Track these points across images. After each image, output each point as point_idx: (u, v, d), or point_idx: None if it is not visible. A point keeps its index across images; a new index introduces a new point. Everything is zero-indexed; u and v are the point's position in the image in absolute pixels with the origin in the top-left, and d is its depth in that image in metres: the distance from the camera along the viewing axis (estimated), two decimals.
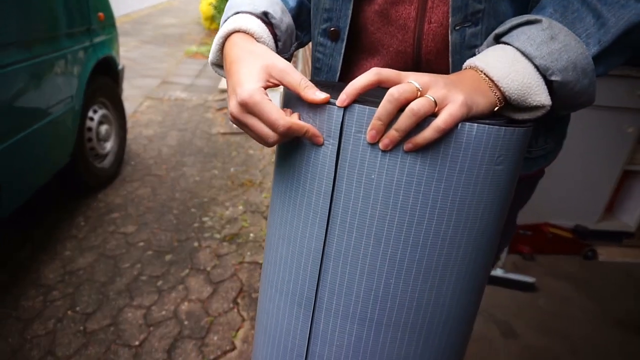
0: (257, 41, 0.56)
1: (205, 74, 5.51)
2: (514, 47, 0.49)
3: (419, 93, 0.43)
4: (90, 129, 2.41)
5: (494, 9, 0.53)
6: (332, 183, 0.49)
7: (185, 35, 8.23)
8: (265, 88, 0.49)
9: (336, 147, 0.48)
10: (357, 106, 0.46)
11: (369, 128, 0.45)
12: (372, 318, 0.53)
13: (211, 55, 0.59)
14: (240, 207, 2.42)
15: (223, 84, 4.86)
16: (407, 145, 0.45)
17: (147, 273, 1.85)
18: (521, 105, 0.49)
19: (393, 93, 0.42)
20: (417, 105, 0.42)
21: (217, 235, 2.14)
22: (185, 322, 1.59)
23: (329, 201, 0.50)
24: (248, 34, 0.56)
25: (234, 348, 1.48)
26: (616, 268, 2.04)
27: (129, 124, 3.52)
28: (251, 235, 2.16)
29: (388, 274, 0.51)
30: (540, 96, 0.48)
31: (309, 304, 0.55)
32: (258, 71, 0.48)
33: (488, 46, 0.53)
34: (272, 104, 0.47)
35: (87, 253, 1.98)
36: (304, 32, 0.70)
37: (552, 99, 0.48)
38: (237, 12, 0.59)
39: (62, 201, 2.38)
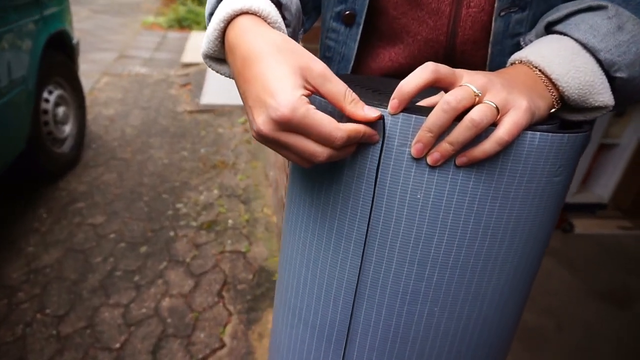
0: (272, 25, 0.43)
1: (165, 46, 5.21)
2: (572, 38, 0.42)
3: (477, 99, 0.36)
4: (46, 112, 2.21)
5: None
6: (370, 204, 0.42)
7: (140, 4, 7.75)
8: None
9: (376, 164, 0.40)
10: (401, 114, 0.38)
11: (415, 140, 0.38)
12: (412, 354, 0.48)
13: (205, 45, 0.44)
14: (215, 191, 2.31)
15: (185, 57, 4.61)
16: (461, 159, 0.38)
17: (122, 267, 1.74)
18: (580, 106, 0.42)
19: (450, 101, 0.35)
20: (479, 115, 0.35)
21: (194, 223, 2.03)
22: (169, 320, 1.50)
23: (367, 225, 0.43)
24: (260, 16, 0.42)
25: (223, 345, 1.41)
26: (592, 240, 2.09)
27: (87, 102, 3.28)
28: (230, 221, 2.06)
29: (432, 302, 0.45)
30: (604, 95, 0.41)
31: (340, 340, 0.49)
32: (293, 74, 0.36)
33: (537, 36, 0.46)
34: (320, 114, 0.36)
35: (53, 248, 1.84)
36: (307, 15, 0.61)
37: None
38: None
39: (20, 192, 2.19)
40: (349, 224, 0.44)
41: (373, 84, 0.51)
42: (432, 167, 0.38)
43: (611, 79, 0.42)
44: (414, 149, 0.38)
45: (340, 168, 0.43)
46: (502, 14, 0.47)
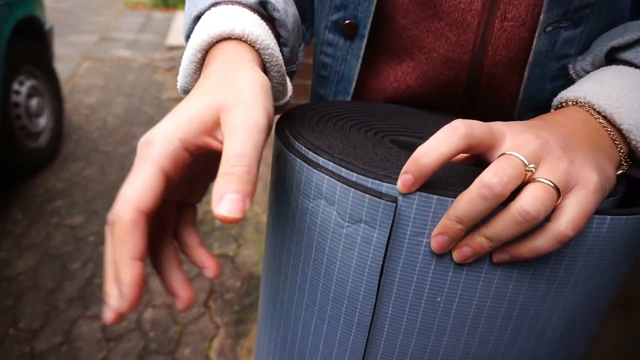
0: (261, 53, 0.32)
1: (150, 27, 5.00)
2: None
3: (528, 174, 0.25)
4: (17, 105, 2.06)
5: (610, 2, 0.34)
6: (372, 310, 0.30)
7: None
8: (191, 149, 0.26)
9: (380, 260, 0.28)
10: (417, 194, 0.26)
11: (437, 231, 0.26)
12: None
13: (181, 79, 0.35)
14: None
15: (170, 39, 4.42)
16: (501, 256, 0.27)
17: (102, 274, 1.63)
18: None
19: (493, 185, 0.24)
20: (534, 205, 0.24)
21: None
22: (151, 334, 1.40)
23: (367, 335, 0.32)
24: (246, 42, 0.32)
25: None
26: None
27: (67, 89, 3.12)
28: (217, 221, 1.95)
29: None
30: None
31: None
32: (200, 111, 0.26)
33: (594, 65, 0.35)
34: (147, 175, 0.25)
35: (28, 253, 1.72)
36: (306, 24, 0.49)
37: None
38: (217, 3, 0.34)
39: None
40: (342, 332, 0.32)
41: (378, 123, 0.39)
42: (459, 265, 0.27)
43: None
44: (435, 242, 0.26)
45: (333, 253, 0.31)
46: (549, 29, 0.36)
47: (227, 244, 1.81)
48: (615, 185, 0.30)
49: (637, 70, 0.32)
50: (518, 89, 0.39)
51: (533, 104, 0.40)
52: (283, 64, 0.34)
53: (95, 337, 1.39)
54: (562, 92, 0.34)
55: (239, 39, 0.31)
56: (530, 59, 0.37)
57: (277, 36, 0.37)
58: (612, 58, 0.34)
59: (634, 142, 0.30)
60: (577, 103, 0.32)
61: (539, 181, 0.24)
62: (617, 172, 0.30)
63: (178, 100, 3.15)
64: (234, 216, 0.22)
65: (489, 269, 0.27)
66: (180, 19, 5.17)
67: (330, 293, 0.31)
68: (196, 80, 0.34)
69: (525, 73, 0.38)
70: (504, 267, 0.27)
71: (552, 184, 0.24)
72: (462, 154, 0.26)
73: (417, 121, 0.41)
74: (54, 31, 2.54)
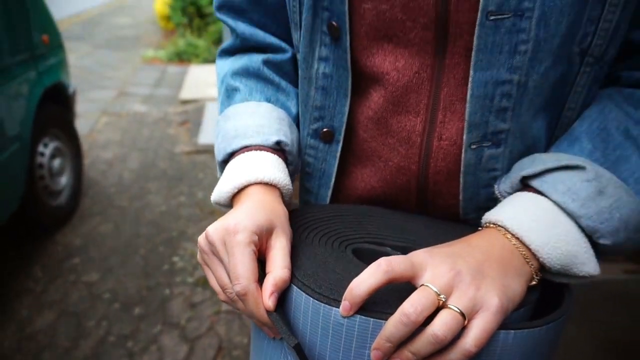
0: (280, 189, 0.48)
1: (164, 81, 5.25)
2: (551, 200, 0.40)
3: (440, 301, 0.33)
4: (41, 166, 2.20)
5: (521, 130, 0.44)
6: None
7: (141, 37, 7.85)
8: (256, 247, 0.41)
9: None
10: (358, 317, 0.35)
11: (373, 346, 0.35)
12: None
13: (216, 197, 0.49)
14: None
15: (184, 93, 4.65)
16: None
17: (115, 332, 1.70)
18: (561, 274, 0.40)
19: (409, 314, 0.32)
20: (442, 330, 0.32)
21: (189, 279, 2.00)
22: None
23: None
24: (271, 185, 0.47)
25: None
26: (598, 287, 2.04)
27: (85, 145, 3.29)
28: None
29: None
30: (588, 266, 0.39)
31: None
32: (262, 220, 0.41)
33: (513, 188, 0.44)
34: (247, 257, 0.39)
35: (47, 310, 1.80)
36: None
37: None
38: (247, 146, 0.49)
39: (15, 247, 2.17)
40: None
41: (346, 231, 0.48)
42: None
43: (595, 243, 0.39)
44: (374, 355, 0.34)
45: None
46: (473, 147, 0.45)
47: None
48: (528, 295, 0.38)
49: (542, 197, 0.40)
50: (458, 194, 0.48)
51: (473, 206, 0.49)
52: (292, 188, 0.49)
53: None
54: (486, 214, 0.42)
55: (266, 183, 0.47)
56: (462, 169, 0.46)
57: (285, 159, 0.51)
58: (525, 183, 0.42)
59: (541, 259, 0.38)
60: (497, 226, 0.40)
61: (449, 308, 0.33)
62: (530, 282, 0.38)
63: (189, 154, 3.30)
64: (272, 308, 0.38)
65: None
66: (192, 74, 5.43)
67: None
68: (228, 201, 0.48)
69: (461, 181, 0.47)
70: None
71: (459, 311, 0.33)
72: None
73: (380, 225, 0.50)
74: (76, 92, 2.71)
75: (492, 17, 0.38)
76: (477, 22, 0.38)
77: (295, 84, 0.56)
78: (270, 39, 0.56)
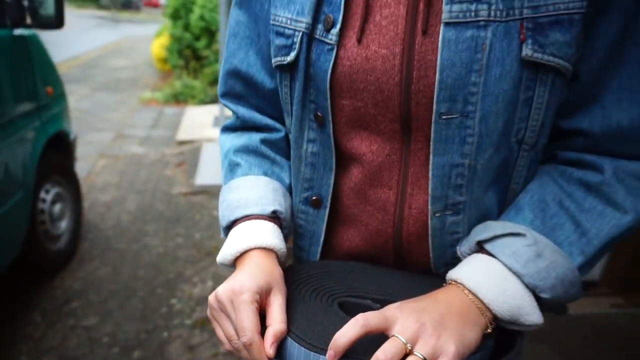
0: (277, 253, 0.56)
1: (161, 123, 5.38)
2: (500, 261, 0.48)
3: (407, 349, 0.41)
4: (43, 211, 2.27)
5: (475, 202, 0.52)
6: None
7: (137, 79, 8.06)
8: (257, 304, 0.48)
9: None
10: None
11: None
12: None
13: (221, 259, 0.57)
14: (210, 283, 2.33)
15: (180, 135, 4.76)
16: None
17: None
18: (512, 323, 0.47)
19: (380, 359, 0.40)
20: None
21: (188, 321, 2.04)
22: None
23: None
24: (268, 249, 0.55)
25: None
26: (586, 321, 2.09)
27: (84, 188, 3.35)
28: None
29: None
30: (532, 316, 0.47)
31: None
32: (262, 281, 0.49)
33: (470, 250, 0.52)
34: (251, 313, 0.47)
35: (46, 356, 1.82)
36: None
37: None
38: (248, 215, 0.58)
39: (14, 293, 2.20)
40: None
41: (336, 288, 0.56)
42: None
43: (538, 297, 0.47)
44: None
45: None
46: (437, 215, 0.53)
47: None
48: (484, 341, 0.46)
49: (493, 258, 0.48)
50: (429, 252, 0.56)
51: (442, 262, 0.56)
52: (286, 251, 0.57)
53: None
54: (449, 272, 0.50)
55: (265, 248, 0.54)
56: (430, 232, 0.54)
57: (280, 225, 0.60)
58: (480, 246, 0.50)
59: (494, 311, 0.46)
60: (457, 283, 0.48)
61: (415, 354, 0.40)
62: (485, 330, 0.45)
63: (186, 195, 3.38)
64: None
65: None
66: (189, 115, 5.56)
67: None
68: (231, 262, 0.56)
69: (429, 243, 0.55)
70: None
71: (422, 357, 0.40)
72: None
73: (363, 280, 0.57)
74: (77, 138, 2.80)
75: (444, 117, 0.47)
76: (433, 120, 0.47)
77: (288, 157, 0.65)
78: (266, 121, 0.65)
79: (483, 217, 0.53)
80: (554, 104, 0.48)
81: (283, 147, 0.66)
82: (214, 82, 6.55)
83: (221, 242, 2.76)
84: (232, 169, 0.64)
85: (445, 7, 0.44)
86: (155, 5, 41.92)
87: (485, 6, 0.43)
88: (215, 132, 4.65)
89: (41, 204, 2.26)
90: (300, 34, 0.52)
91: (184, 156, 4.21)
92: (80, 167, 3.60)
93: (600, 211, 0.48)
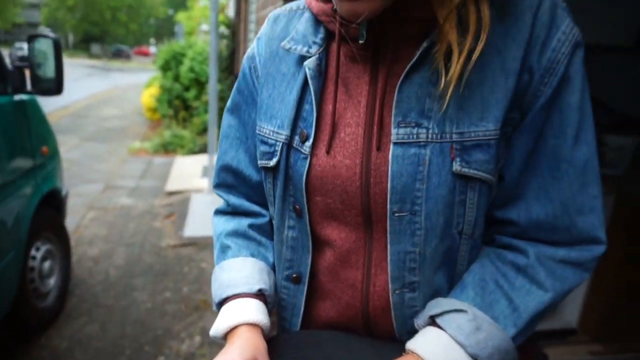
0: (262, 328, 0.63)
1: (151, 173, 5.47)
2: (447, 333, 0.57)
3: None
4: (32, 269, 2.29)
5: (428, 281, 0.62)
6: None
7: (127, 129, 8.20)
8: None
9: None
10: None
11: None
12: None
13: (213, 332, 0.64)
14: (197, 338, 2.35)
15: (169, 185, 4.84)
16: None
17: None
18: None
19: None
20: None
21: None
22: None
23: None
24: (254, 325, 0.63)
25: None
26: None
27: (72, 242, 3.37)
28: None
29: None
30: None
31: None
32: (248, 354, 0.57)
33: (425, 323, 0.61)
34: None
35: None
36: None
37: None
38: (237, 294, 0.66)
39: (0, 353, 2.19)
40: None
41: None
42: None
43: None
44: None
45: None
46: (397, 292, 0.62)
47: None
48: None
49: (442, 331, 0.56)
50: (393, 323, 0.64)
51: (405, 331, 0.65)
52: (269, 325, 0.65)
53: None
54: (407, 342, 0.58)
55: (252, 323, 0.62)
56: (392, 306, 0.63)
57: (265, 301, 0.68)
58: (432, 320, 0.59)
59: None
60: (412, 353, 0.56)
61: None
62: None
63: (175, 247, 3.42)
64: None
65: None
66: (178, 165, 5.66)
67: None
68: (223, 336, 0.62)
69: (392, 315, 0.63)
70: None
71: None
72: None
73: (336, 348, 0.65)
74: (68, 194, 2.86)
75: (396, 214, 0.57)
76: (388, 217, 0.58)
77: (272, 238, 0.74)
78: (253, 207, 0.75)
79: (435, 294, 0.63)
80: (483, 204, 0.59)
81: (268, 230, 0.75)
82: (203, 131, 6.71)
83: (208, 296, 2.79)
84: (223, 250, 0.73)
85: (393, 130, 0.56)
86: (146, 54, 43.00)
87: (424, 130, 0.55)
88: (204, 182, 4.74)
89: (31, 262, 2.29)
90: (281, 144, 0.63)
91: (173, 207, 4.28)
92: (69, 220, 3.62)
93: (528, 289, 0.58)
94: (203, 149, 6.10)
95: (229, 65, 6.20)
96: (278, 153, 0.64)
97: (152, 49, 42.54)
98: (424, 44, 0.53)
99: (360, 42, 0.55)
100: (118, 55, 40.03)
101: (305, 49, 0.61)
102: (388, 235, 0.59)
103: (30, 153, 2.26)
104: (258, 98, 0.67)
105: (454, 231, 0.59)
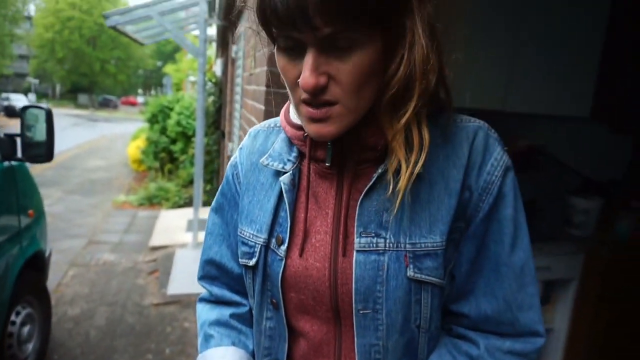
0: None
1: (134, 227, 5.46)
2: None
3: None
4: (11, 335, 2.27)
5: (406, 345, 0.68)
6: None
7: (113, 180, 8.22)
8: None
9: None
10: None
11: None
12: None
13: None
14: None
15: (154, 240, 4.83)
16: None
17: None
18: None
19: None
20: None
21: None
22: None
23: None
24: None
25: None
26: None
27: (53, 301, 3.32)
28: None
29: None
30: None
31: None
32: None
33: None
34: None
35: None
36: None
37: None
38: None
39: None
40: None
41: None
42: None
43: None
44: None
45: None
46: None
47: None
48: None
49: None
50: None
51: None
52: None
53: None
54: None
55: None
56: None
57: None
58: None
59: None
60: None
61: None
62: None
63: (158, 305, 3.39)
64: None
65: None
66: (163, 218, 5.67)
67: None
68: None
69: None
70: None
71: None
72: None
73: None
74: (51, 253, 2.86)
75: (361, 312, 0.65)
76: (354, 313, 0.65)
77: (252, 327, 0.81)
78: (234, 297, 0.82)
79: None
80: (436, 303, 0.67)
81: (248, 319, 0.82)
82: (189, 184, 6.78)
83: (191, 358, 2.76)
84: (207, 339, 0.79)
85: (356, 240, 0.64)
86: (133, 104, 43.56)
87: (382, 240, 0.64)
88: (189, 237, 4.75)
89: (10, 327, 2.26)
90: (260, 246, 0.71)
91: (157, 263, 4.26)
92: (50, 278, 3.58)
93: None
94: (188, 202, 6.14)
95: (215, 120, 6.37)
96: (257, 254, 0.71)
97: (140, 99, 43.22)
98: (379, 170, 0.63)
99: (327, 164, 0.65)
100: (105, 105, 40.46)
101: (281, 165, 0.70)
102: (355, 329, 0.66)
103: (17, 218, 2.29)
104: (240, 203, 0.76)
105: (412, 326, 0.67)
